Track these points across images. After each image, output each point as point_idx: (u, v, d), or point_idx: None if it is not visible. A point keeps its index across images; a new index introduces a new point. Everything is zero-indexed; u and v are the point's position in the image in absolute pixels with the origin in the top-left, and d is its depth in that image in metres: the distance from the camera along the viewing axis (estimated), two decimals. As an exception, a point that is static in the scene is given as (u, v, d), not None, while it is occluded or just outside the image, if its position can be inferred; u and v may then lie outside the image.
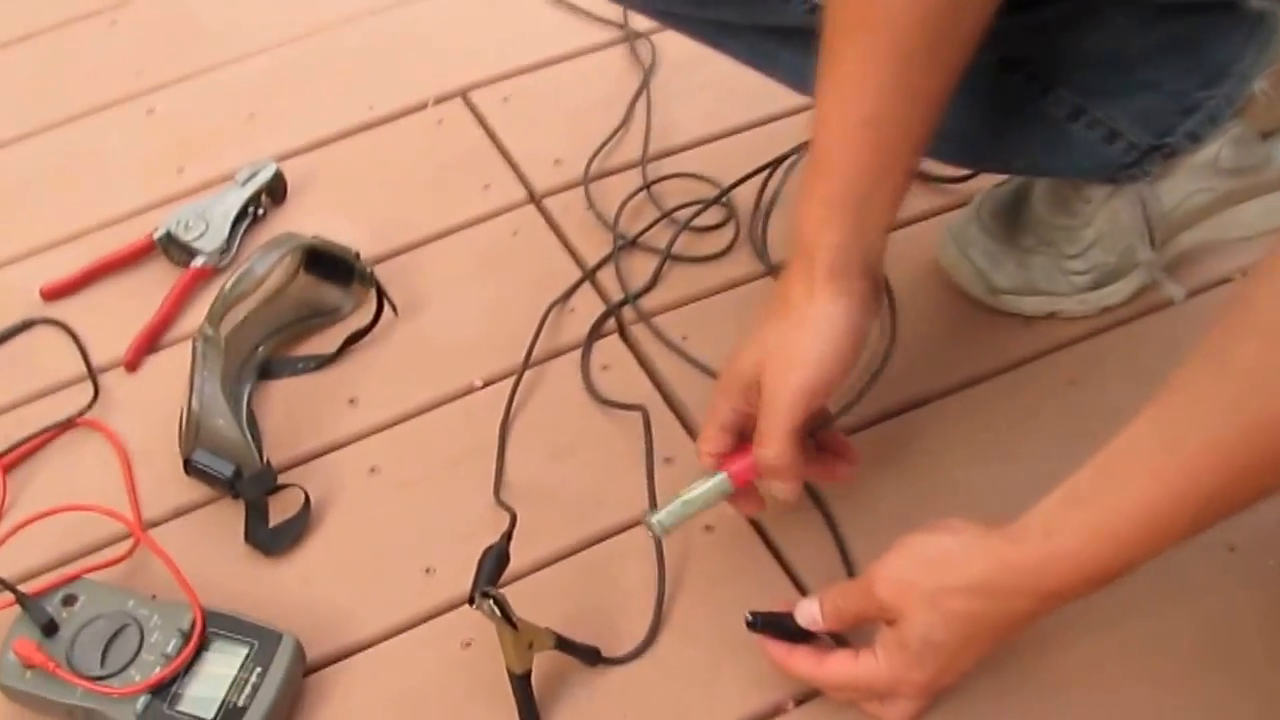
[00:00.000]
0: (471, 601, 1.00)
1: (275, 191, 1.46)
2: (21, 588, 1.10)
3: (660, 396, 1.27)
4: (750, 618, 1.03)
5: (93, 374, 1.33)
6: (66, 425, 1.29)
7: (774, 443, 1.00)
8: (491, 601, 0.99)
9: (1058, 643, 1.06)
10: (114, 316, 1.37)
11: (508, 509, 1.15)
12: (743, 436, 1.05)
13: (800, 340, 1.00)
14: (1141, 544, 0.87)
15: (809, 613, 1.02)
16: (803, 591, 1.12)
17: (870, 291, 1.02)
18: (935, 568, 0.94)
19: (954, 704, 1.03)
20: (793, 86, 1.22)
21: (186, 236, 1.40)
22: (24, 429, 1.28)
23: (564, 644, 1.06)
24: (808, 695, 1.07)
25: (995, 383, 1.26)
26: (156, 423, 1.26)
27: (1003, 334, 1.29)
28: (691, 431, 1.24)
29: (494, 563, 1.04)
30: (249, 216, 1.44)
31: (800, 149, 1.39)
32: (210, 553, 1.19)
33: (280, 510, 1.20)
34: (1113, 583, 0.89)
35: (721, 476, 1.06)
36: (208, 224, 1.40)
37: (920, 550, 0.96)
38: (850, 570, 1.13)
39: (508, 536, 1.07)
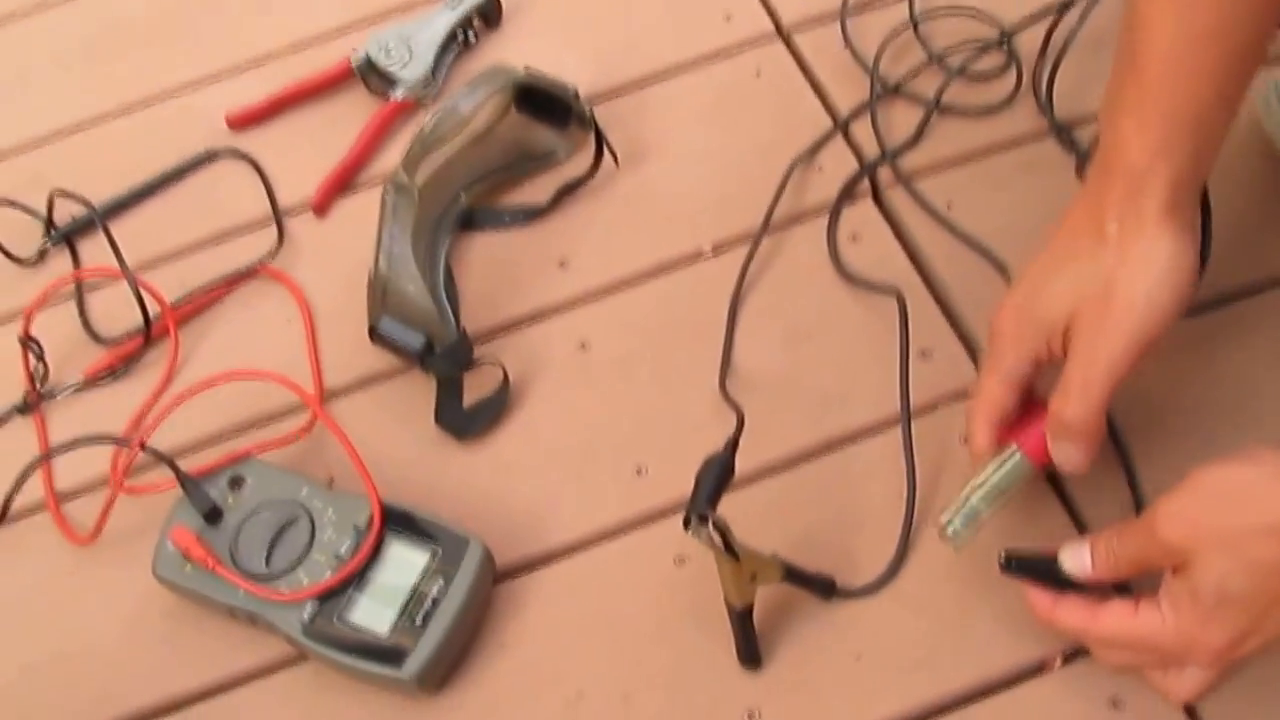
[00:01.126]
0: (687, 524, 0.85)
1: (488, 15, 1.30)
2: (185, 463, 0.99)
3: (918, 275, 1.09)
4: (1003, 558, 0.86)
5: (278, 216, 1.20)
6: (247, 274, 1.17)
7: (1089, 400, 0.84)
8: (711, 527, 0.84)
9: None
10: (304, 151, 1.24)
11: (734, 406, 1.00)
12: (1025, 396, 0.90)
13: (1136, 282, 0.83)
14: None
15: (1077, 558, 0.85)
16: (1080, 527, 0.95)
17: (1198, 218, 0.87)
18: (1235, 504, 0.77)
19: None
20: None
21: (388, 64, 1.25)
22: (201, 275, 1.16)
23: (793, 574, 0.91)
24: (1078, 651, 0.90)
25: (1325, 277, 1.06)
26: (344, 275, 1.13)
27: (1337, 219, 1.08)
28: (953, 319, 1.06)
29: (715, 478, 0.88)
30: (458, 43, 1.28)
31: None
32: (395, 432, 1.06)
33: (476, 387, 1.06)
34: None
35: (1017, 457, 0.89)
36: (411, 51, 1.25)
37: (1217, 484, 0.79)
38: (1140, 504, 0.95)
39: (733, 445, 0.91)
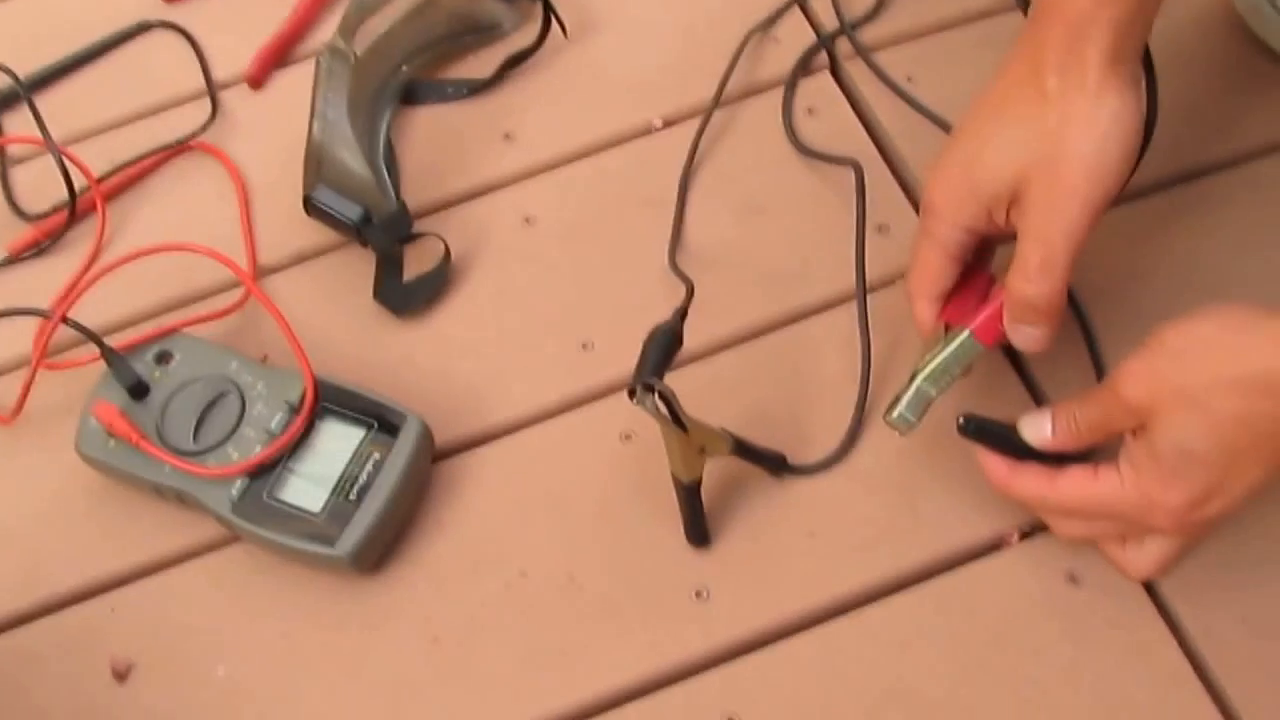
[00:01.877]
0: (633, 394, 0.81)
1: (432, -118, 1.24)
2: (111, 340, 0.95)
3: (876, 149, 1.05)
4: (962, 421, 0.82)
5: (212, 89, 1.15)
6: (179, 148, 1.12)
7: (1051, 278, 0.79)
8: (656, 396, 0.80)
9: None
10: (240, 23, 1.18)
11: (684, 278, 0.96)
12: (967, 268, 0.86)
13: (1084, 144, 0.78)
14: None
15: (1037, 426, 0.81)
16: (1039, 402, 0.92)
17: (1141, 73, 0.82)
18: (1197, 359, 0.73)
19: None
20: None
21: (328, -69, 1.20)
22: (131, 150, 1.11)
23: (743, 449, 0.87)
24: (1037, 526, 0.88)
25: (1292, 154, 1.03)
26: (281, 149, 1.08)
27: (1307, 95, 1.04)
28: (911, 194, 1.03)
29: (662, 347, 0.84)
30: (400, -90, 1.23)
31: None
32: (333, 308, 1.02)
33: (417, 263, 1.02)
34: None
35: (965, 336, 0.85)
36: (353, -85, 1.20)
37: (1179, 339, 0.75)
38: (1102, 377, 0.92)
39: (682, 314, 0.87)
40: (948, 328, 0.86)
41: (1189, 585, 0.84)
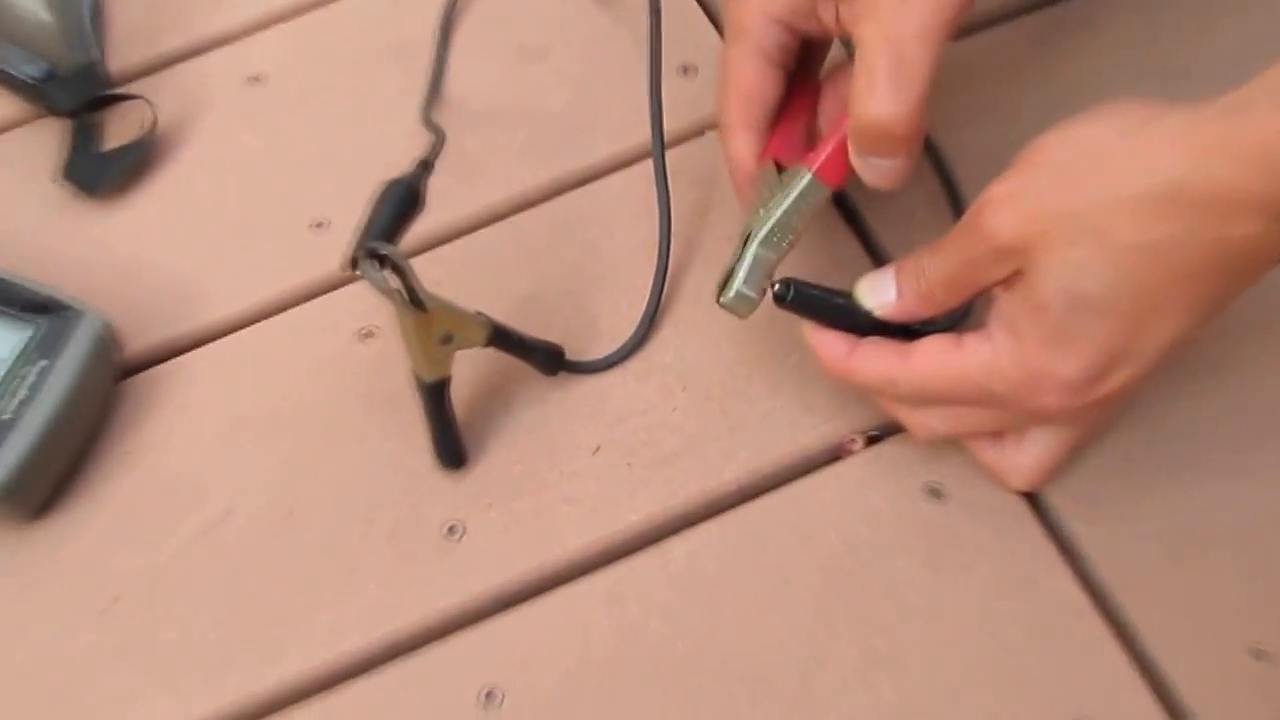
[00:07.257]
0: (355, 264, 0.62)
1: None
2: None
3: (675, -26, 0.89)
4: (778, 288, 0.63)
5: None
6: None
7: (906, 89, 0.60)
8: (380, 263, 0.61)
9: None
10: None
11: (435, 129, 0.78)
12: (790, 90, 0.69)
13: None
14: None
15: (878, 289, 0.63)
16: (881, 263, 0.73)
17: None
18: (1087, 172, 0.55)
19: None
20: None
21: None
22: None
23: (506, 339, 0.69)
24: (888, 428, 0.70)
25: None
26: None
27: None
28: (719, 26, 0.86)
29: (395, 204, 0.66)
30: None
31: None
32: (12, 190, 0.84)
33: (123, 136, 0.84)
34: None
35: (808, 180, 0.65)
36: None
37: (1062, 149, 0.56)
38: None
39: (424, 165, 0.69)
40: (780, 168, 0.67)
41: (1082, 496, 0.67)
